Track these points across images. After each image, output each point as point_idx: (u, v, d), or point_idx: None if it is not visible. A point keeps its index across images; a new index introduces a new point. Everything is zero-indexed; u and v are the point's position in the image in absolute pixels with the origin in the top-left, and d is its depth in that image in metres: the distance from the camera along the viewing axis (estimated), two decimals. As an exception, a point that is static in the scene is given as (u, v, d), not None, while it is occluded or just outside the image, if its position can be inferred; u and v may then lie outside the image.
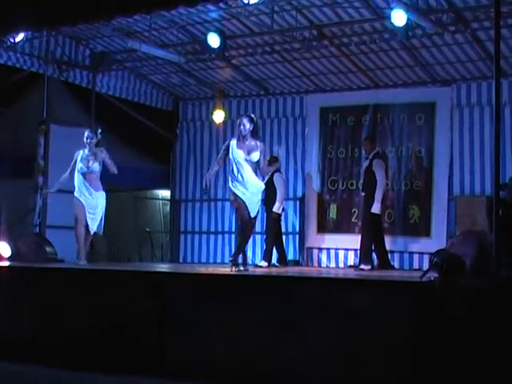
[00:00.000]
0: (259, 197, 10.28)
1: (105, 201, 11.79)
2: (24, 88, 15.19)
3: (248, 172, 10.05)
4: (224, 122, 15.57)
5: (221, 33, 12.93)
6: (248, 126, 10.08)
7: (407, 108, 13.90)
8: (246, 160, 10.03)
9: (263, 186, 10.41)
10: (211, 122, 15.82)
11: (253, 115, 10.42)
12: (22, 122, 14.55)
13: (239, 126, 10.15)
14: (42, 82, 14.36)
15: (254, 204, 10.12)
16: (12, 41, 13.06)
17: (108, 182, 15.71)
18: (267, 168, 10.73)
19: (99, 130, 11.77)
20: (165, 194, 17.99)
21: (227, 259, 15.23)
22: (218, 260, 15.56)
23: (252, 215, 10.13)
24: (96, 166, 11.67)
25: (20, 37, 13.02)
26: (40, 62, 14.24)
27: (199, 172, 16.23)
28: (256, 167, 10.16)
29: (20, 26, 10.07)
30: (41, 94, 14.26)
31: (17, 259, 11.87)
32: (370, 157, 12.59)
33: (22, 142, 14.22)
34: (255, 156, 10.06)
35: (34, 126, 13.99)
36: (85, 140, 11.64)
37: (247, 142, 10.07)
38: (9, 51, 13.59)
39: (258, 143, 10.13)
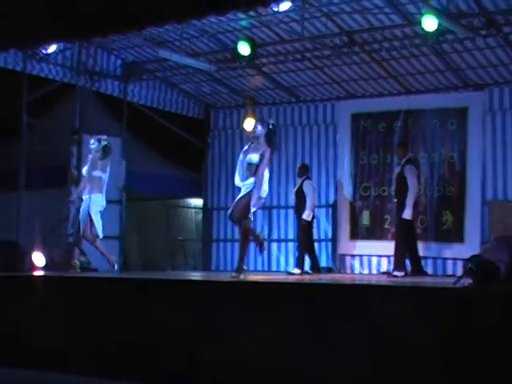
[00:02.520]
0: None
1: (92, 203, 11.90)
2: (57, 99, 15.32)
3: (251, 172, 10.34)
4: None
5: (251, 41, 12.98)
6: (260, 128, 10.49)
7: (439, 113, 13.83)
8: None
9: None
10: (242, 130, 15.83)
11: (271, 121, 10.69)
12: (54, 133, 14.65)
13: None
14: (74, 93, 14.47)
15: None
16: (44, 52, 13.22)
17: (140, 191, 15.87)
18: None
19: (104, 137, 11.95)
20: (197, 202, 18.04)
21: (259, 267, 15.28)
22: (251, 268, 15.54)
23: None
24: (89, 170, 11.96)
25: (52, 48, 13.18)
26: (72, 73, 14.36)
27: (231, 180, 16.15)
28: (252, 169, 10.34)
29: (52, 38, 10.14)
30: (73, 105, 14.37)
31: (51, 269, 11.95)
32: (402, 163, 12.55)
33: (55, 152, 14.32)
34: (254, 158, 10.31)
35: (67, 136, 14.09)
36: None
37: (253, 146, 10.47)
38: (41, 63, 13.73)
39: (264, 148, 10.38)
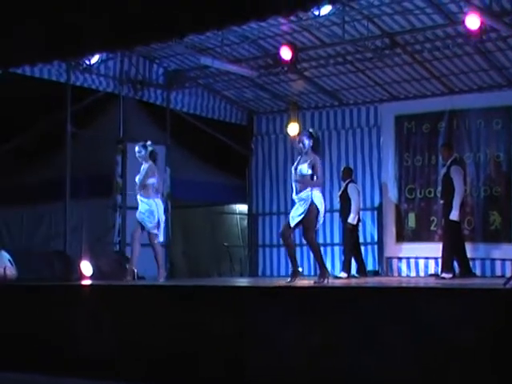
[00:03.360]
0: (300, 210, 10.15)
1: (159, 207, 11.69)
2: (100, 108, 15.45)
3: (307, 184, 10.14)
4: (298, 135, 15.53)
5: (292, 45, 12.97)
6: (307, 142, 10.25)
7: (484, 113, 13.68)
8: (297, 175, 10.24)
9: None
10: (286, 135, 15.84)
11: (311, 130, 10.57)
12: (99, 142, 14.78)
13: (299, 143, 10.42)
14: (118, 102, 14.59)
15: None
16: (87, 63, 13.34)
17: (184, 198, 15.93)
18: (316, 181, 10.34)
19: (148, 143, 11.84)
20: (242, 208, 18.06)
21: (306, 271, 15.23)
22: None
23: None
24: (141, 179, 11.71)
25: (95, 58, 13.30)
26: (115, 83, 14.47)
27: (275, 185, 16.26)
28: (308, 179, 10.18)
29: (95, 48, 10.23)
30: (117, 114, 14.49)
31: (98, 277, 12.03)
32: (448, 164, 12.44)
33: (100, 161, 14.44)
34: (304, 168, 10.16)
35: (112, 145, 14.20)
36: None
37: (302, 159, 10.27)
38: (85, 73, 13.85)
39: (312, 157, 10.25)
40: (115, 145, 14.21)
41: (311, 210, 10.01)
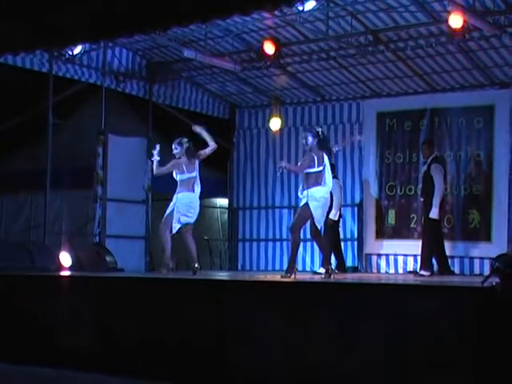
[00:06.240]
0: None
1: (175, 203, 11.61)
2: (82, 99, 15.38)
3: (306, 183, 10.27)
4: (280, 130, 15.58)
5: (276, 40, 12.97)
6: (311, 140, 10.31)
7: (465, 112, 13.74)
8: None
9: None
10: (268, 129, 15.84)
11: (319, 129, 10.61)
12: (80, 133, 14.73)
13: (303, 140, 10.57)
14: (100, 94, 14.52)
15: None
16: (70, 53, 13.31)
17: (165, 191, 15.88)
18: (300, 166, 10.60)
19: (184, 140, 11.69)
20: (222, 202, 18.04)
21: (286, 266, 15.25)
22: (277, 267, 15.55)
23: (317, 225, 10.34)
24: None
25: (78, 49, 13.26)
26: (97, 74, 14.41)
27: (256, 180, 16.26)
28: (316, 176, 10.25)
29: (77, 38, 10.18)
30: (99, 105, 14.42)
31: (77, 269, 12.00)
32: (428, 161, 12.49)
33: (81, 152, 14.39)
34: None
35: (93, 136, 14.14)
36: None
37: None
38: (67, 64, 13.80)
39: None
40: (97, 136, 14.15)
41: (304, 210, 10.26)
